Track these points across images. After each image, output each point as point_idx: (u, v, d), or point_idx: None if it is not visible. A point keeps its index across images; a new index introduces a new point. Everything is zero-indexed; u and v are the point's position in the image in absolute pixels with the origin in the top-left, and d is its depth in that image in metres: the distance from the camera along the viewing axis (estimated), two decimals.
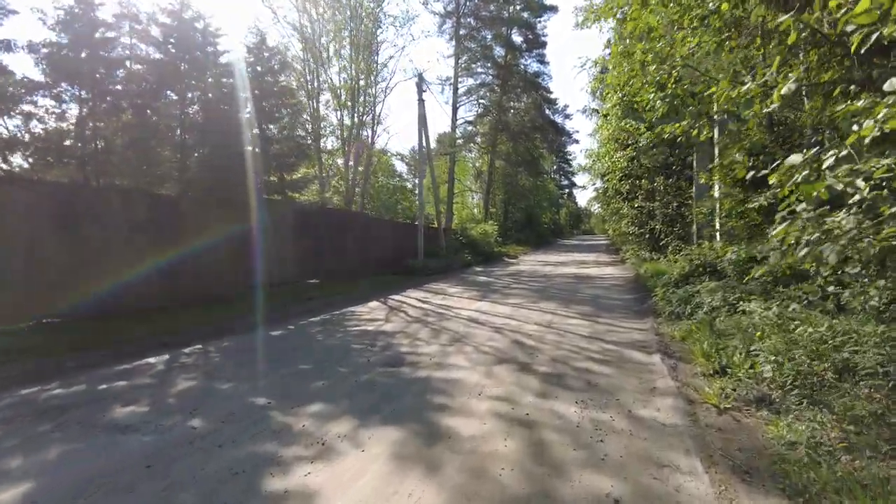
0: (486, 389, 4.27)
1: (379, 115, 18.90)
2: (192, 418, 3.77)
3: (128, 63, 8.86)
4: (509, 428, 3.40)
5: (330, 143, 19.66)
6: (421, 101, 18.06)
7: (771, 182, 3.52)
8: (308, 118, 15.70)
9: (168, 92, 9.89)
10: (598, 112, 18.57)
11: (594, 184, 18.20)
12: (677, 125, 4.96)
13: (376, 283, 13.51)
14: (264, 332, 7.27)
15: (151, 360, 5.72)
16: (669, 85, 4.18)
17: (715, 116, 8.37)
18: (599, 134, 16.88)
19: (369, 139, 19.07)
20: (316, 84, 16.13)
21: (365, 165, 19.19)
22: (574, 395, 4.12)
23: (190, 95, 9.99)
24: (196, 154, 10.32)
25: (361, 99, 17.87)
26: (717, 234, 10.92)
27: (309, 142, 15.32)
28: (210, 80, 10.61)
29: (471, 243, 23.40)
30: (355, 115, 18.02)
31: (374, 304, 10.24)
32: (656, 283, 10.53)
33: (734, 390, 3.95)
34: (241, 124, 11.00)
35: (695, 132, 5.57)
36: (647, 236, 17.44)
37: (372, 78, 17.68)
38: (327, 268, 13.70)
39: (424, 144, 18.33)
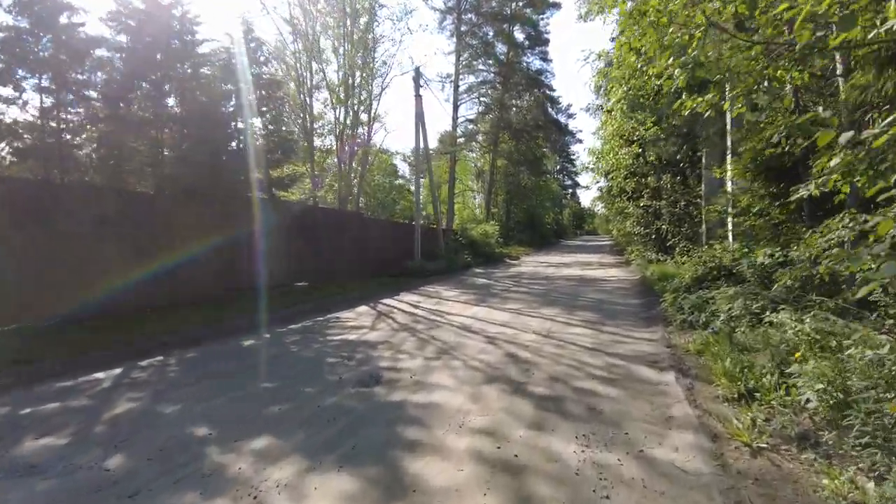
0: (470, 418, 3.61)
1: (376, 112, 18.24)
2: (113, 455, 3.13)
3: (97, 50, 8.26)
4: (491, 476, 2.73)
5: (328, 141, 19.07)
6: (418, 97, 17.41)
7: (816, 170, 2.84)
8: (301, 113, 15.06)
9: (143, 83, 9.27)
10: (602, 108, 17.85)
11: (598, 182, 17.52)
12: (700, 98, 4.26)
13: (370, 285, 12.86)
14: (236, 342, 6.64)
15: (100, 374, 5.10)
16: (690, 49, 3.51)
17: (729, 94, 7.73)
18: (603, 130, 16.19)
19: (366, 136, 18.42)
20: (309, 78, 15.50)
21: (361, 163, 18.55)
22: (574, 426, 3.45)
23: (167, 87, 9.37)
24: (174, 149, 9.70)
25: (356, 94, 17.23)
26: (730, 234, 10.21)
27: (299, 137, 14.69)
28: (189, 70, 10.00)
29: (471, 244, 22.73)
30: (349, 110, 17.40)
31: (363, 308, 9.60)
32: (665, 287, 9.84)
33: (767, 422, 3.27)
34: (224, 118, 10.39)
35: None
36: (653, 237, 16.72)
37: (367, 72, 17.03)
38: (319, 269, 13.06)
39: (422, 141, 17.68)
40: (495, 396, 4.07)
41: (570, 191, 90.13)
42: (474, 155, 40.70)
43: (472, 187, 40.88)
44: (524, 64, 36.17)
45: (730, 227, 10.26)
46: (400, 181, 54.60)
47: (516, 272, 18.22)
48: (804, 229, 5.67)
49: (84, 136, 8.47)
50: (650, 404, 3.85)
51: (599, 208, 75.68)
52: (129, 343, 6.33)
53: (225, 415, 3.79)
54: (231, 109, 10.77)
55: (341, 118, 16.01)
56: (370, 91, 18.12)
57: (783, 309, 4.45)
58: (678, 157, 15.05)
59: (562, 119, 49.68)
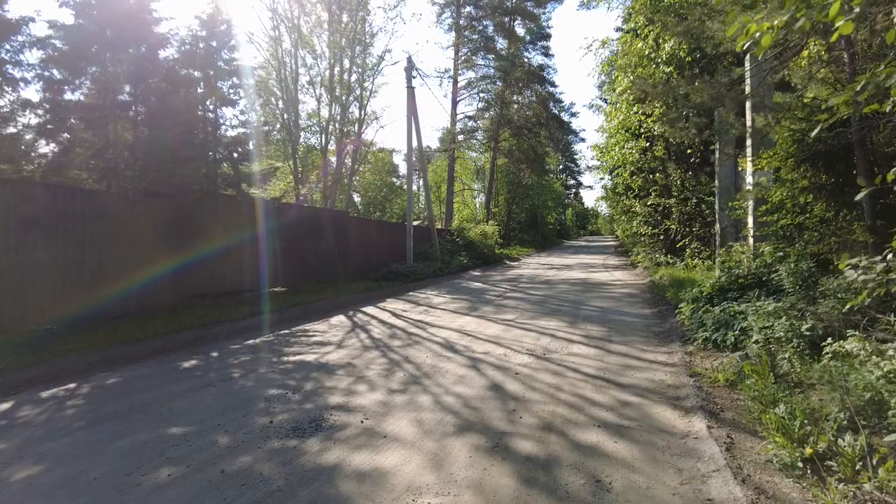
0: (423, 502, 2.53)
1: (367, 106, 17.19)
2: None
3: (30, 26, 7.23)
4: None
5: (315, 139, 18.05)
6: (410, 89, 16.34)
7: None
8: (284, 106, 14.01)
9: (92, 67, 8.24)
10: (606, 101, 16.71)
11: (601, 179, 16.34)
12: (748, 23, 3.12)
13: (353, 290, 11.80)
14: (173, 363, 5.58)
15: None
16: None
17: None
18: (608, 123, 15.08)
19: (356, 132, 17.38)
20: (293, 66, 14.45)
21: (351, 160, 17.49)
22: None
23: (116, 70, 8.33)
24: (128, 140, 8.66)
25: (345, 83, 16.17)
26: (751, 234, 9.09)
27: (281, 133, 13.64)
28: (145, 51, 8.96)
29: (468, 245, 21.65)
30: (337, 104, 16.38)
31: (337, 319, 8.54)
32: (678, 295, 8.74)
33: None
34: (187, 106, 9.34)
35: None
36: (661, 237, 15.61)
37: (357, 63, 15.98)
38: (300, 273, 12.02)
39: (415, 136, 16.62)
40: (465, 459, 2.99)
41: (574, 191, 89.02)
42: (475, 155, 39.62)
43: (472, 187, 39.78)
44: (525, 59, 35.09)
45: (750, 226, 9.15)
46: (396, 180, 53.68)
47: (515, 275, 17.14)
48: (860, 227, 4.58)
49: (19, 124, 7.44)
50: (678, 474, 2.76)
51: (603, 209, 74.48)
52: (39, 365, 5.28)
53: (85, 485, 2.72)
54: (196, 97, 9.72)
55: (327, 113, 14.95)
56: (361, 82, 17.09)
57: (851, 335, 3.35)
58: (689, 149, 13.93)
59: (565, 118, 48.67)
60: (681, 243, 14.42)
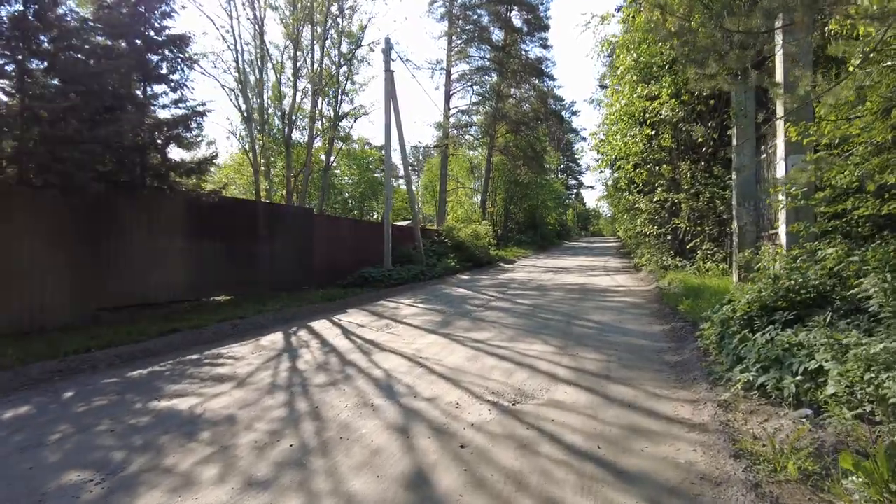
0: None
1: (348, 96, 15.57)
2: None
3: None
4: None
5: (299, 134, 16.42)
6: (388, 73, 14.70)
7: None
8: (237, 86, 12.36)
9: None
10: (606, 88, 14.98)
11: (601, 172, 14.58)
12: None
13: (312, 299, 10.15)
14: None
15: None
16: None
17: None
18: (608, 108, 13.39)
19: (331, 118, 15.75)
20: (258, 44, 12.80)
21: (326, 154, 15.86)
22: None
23: (16, 33, 6.71)
24: (24, 118, 7.01)
25: (318, 71, 14.55)
26: (783, 233, 7.41)
27: (237, 127, 11.97)
28: (51, 16, 7.34)
29: (458, 246, 19.99)
30: (319, 94, 14.76)
31: (271, 338, 6.88)
32: (695, 307, 7.06)
33: None
34: (102, 80, 7.70)
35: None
36: (668, 238, 13.92)
37: (332, 41, 14.34)
38: (247, 279, 10.36)
39: (395, 127, 14.97)
40: None
41: (575, 191, 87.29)
42: (472, 153, 37.94)
43: (467, 185, 38.10)
44: (522, 52, 33.44)
45: (782, 223, 7.47)
46: (381, 175, 51.52)
47: (507, 279, 15.47)
48: None
49: None
50: None
51: (605, 209, 72.63)
52: None
53: None
54: (116, 69, 8.08)
55: (290, 100, 13.30)
56: (338, 65, 15.46)
57: None
58: (700, 138, 12.23)
59: (565, 115, 47.02)
60: (691, 244, 12.73)
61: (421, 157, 56.11)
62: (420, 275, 14.79)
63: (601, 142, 13.96)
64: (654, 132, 12.96)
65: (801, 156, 7.22)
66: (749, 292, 4.56)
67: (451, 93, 30.59)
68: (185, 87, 8.92)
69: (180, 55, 9.18)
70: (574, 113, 72.46)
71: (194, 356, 5.87)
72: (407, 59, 36.91)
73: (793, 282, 4.07)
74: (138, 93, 8.89)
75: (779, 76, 7.09)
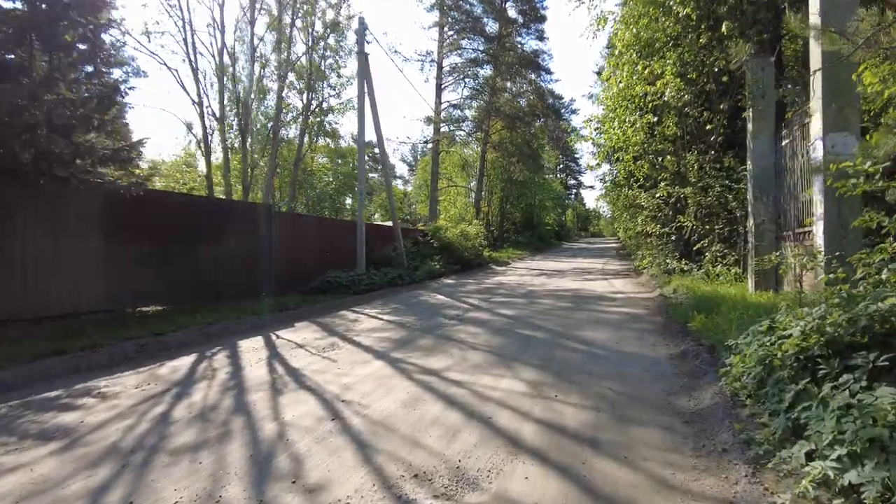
0: None
1: (311, 79, 14.16)
2: None
3: None
4: None
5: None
6: (362, 55, 13.27)
7: None
8: (188, 67, 10.92)
9: None
10: (603, 71, 13.50)
11: (598, 165, 13.09)
12: None
13: (260, 309, 8.72)
14: None
15: None
16: None
17: None
18: (605, 92, 11.91)
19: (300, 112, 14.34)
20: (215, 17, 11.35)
21: (298, 145, 14.42)
22: None
23: None
24: None
25: (281, 51, 13.13)
26: (820, 231, 5.99)
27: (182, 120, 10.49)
28: None
29: (445, 247, 18.57)
30: (255, 66, 13.32)
31: (179, 362, 5.46)
32: (709, 324, 5.63)
33: None
34: None
35: None
36: (673, 238, 12.47)
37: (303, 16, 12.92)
38: (187, 286, 8.94)
39: (370, 111, 13.55)
40: None
41: (574, 191, 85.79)
42: (467, 151, 36.48)
43: (460, 184, 36.65)
44: (518, 44, 32.02)
45: (819, 219, 6.04)
46: (374, 175, 50.42)
47: (494, 283, 14.04)
48: None
49: None
50: None
51: (604, 209, 71.05)
52: None
53: None
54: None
55: (247, 81, 11.87)
56: (310, 43, 14.03)
57: None
58: (708, 124, 10.79)
59: (564, 115, 45.65)
60: (698, 245, 11.29)
61: (418, 156, 54.73)
62: (398, 279, 13.36)
63: (597, 129, 12.51)
64: (656, 119, 11.51)
65: (844, 134, 5.80)
66: (804, 318, 3.11)
67: (443, 86, 29.18)
68: (100, 60, 7.48)
69: (92, 21, 7.72)
70: (574, 111, 70.94)
71: (56, 392, 4.45)
72: (395, 51, 35.50)
73: (881, 306, 2.63)
74: (44, 63, 7.46)
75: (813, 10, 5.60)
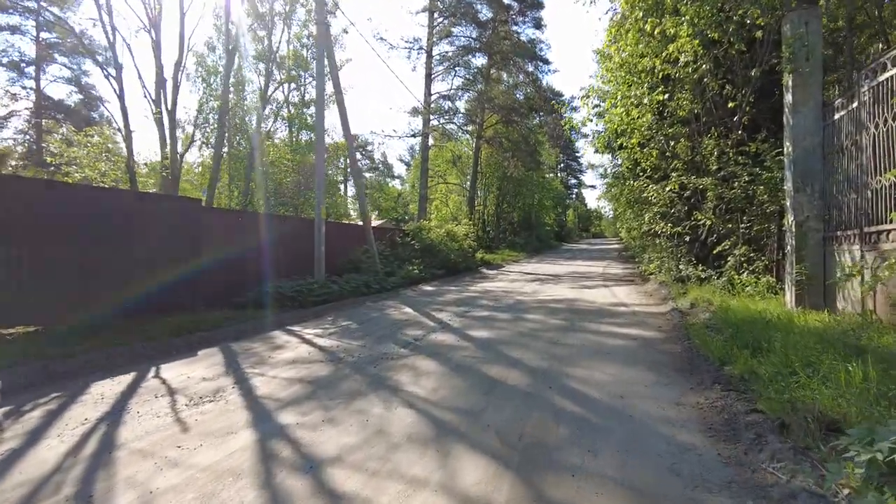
0: None
1: (269, 63, 12.32)
2: None
3: None
4: None
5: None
6: (322, 25, 11.34)
7: None
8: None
9: None
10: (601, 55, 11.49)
11: (594, 150, 11.03)
12: None
13: (161, 329, 6.80)
14: None
15: None
16: None
17: None
18: (606, 65, 9.91)
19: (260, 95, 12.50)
20: None
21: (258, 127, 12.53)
22: None
23: None
24: None
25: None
26: None
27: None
28: None
29: (428, 249, 16.63)
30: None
31: None
32: (752, 365, 3.70)
33: None
34: None
35: None
36: (686, 238, 10.51)
37: None
38: (74, 300, 7.01)
39: (330, 81, 11.63)
40: None
41: (575, 191, 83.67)
42: (459, 145, 34.53)
43: (453, 181, 34.71)
44: (514, 33, 30.07)
45: None
46: (376, 173, 48.50)
47: (479, 291, 12.12)
48: None
49: None
50: None
51: (605, 209, 68.91)
52: None
53: None
54: None
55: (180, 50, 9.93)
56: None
57: None
58: (730, 101, 8.84)
59: (565, 113, 43.76)
60: (719, 248, 9.34)
61: (416, 154, 52.71)
62: (364, 287, 11.43)
63: (595, 108, 10.54)
64: (667, 96, 9.54)
65: None
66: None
67: (433, 76, 27.23)
68: None
69: None
70: (574, 109, 69.01)
71: None
72: (380, 38, 33.64)
73: None
74: None
75: None
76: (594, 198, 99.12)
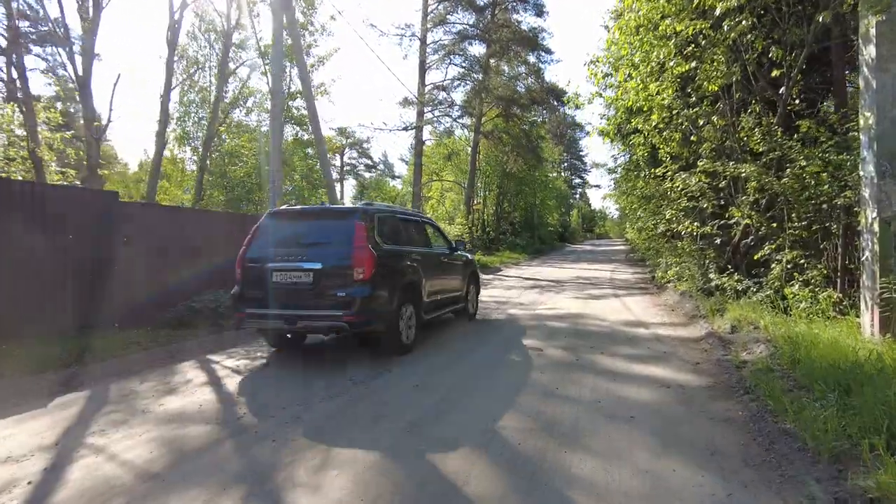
0: None
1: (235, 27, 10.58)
2: None
3: None
4: None
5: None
6: None
7: None
8: None
9: None
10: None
11: (599, 135, 9.03)
12: None
13: (44, 360, 5.03)
14: None
15: None
16: None
17: None
18: (620, 24, 7.94)
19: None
20: None
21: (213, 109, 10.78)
22: None
23: None
24: None
25: None
26: None
27: None
28: None
29: None
30: None
31: None
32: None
33: None
34: None
35: None
36: (717, 240, 8.61)
37: None
38: None
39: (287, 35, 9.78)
40: None
41: (579, 190, 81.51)
42: (458, 140, 32.68)
43: (452, 179, 32.90)
44: (514, 21, 28.16)
45: None
46: (371, 175, 46.62)
47: None
48: None
49: None
50: None
51: (611, 209, 66.80)
52: None
53: None
54: None
55: None
56: None
57: None
58: (776, 71, 6.95)
59: (568, 110, 41.82)
60: (760, 253, 7.45)
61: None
62: None
63: (605, 77, 8.55)
64: (695, 65, 7.64)
65: None
66: None
67: (428, 65, 25.39)
68: None
69: None
70: (577, 107, 66.98)
71: None
72: (371, 25, 31.84)
73: None
74: None
75: None
76: (599, 197, 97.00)
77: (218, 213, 10.67)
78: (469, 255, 8.18)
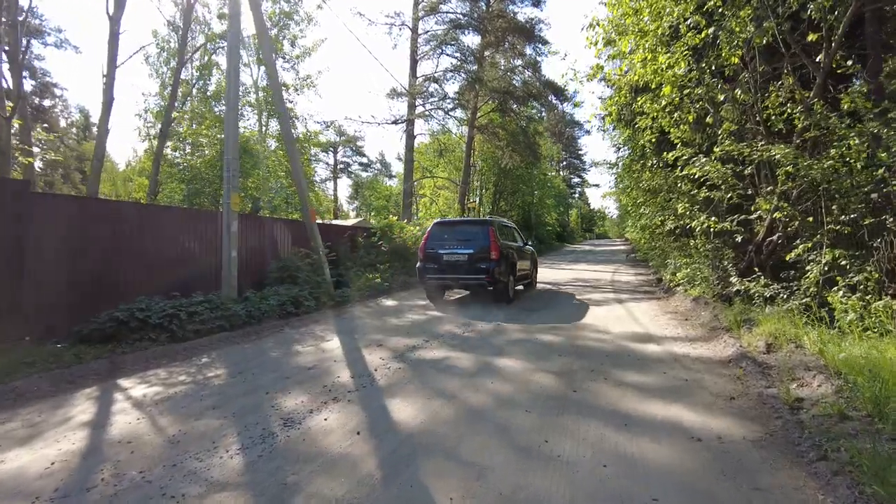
0: None
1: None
2: None
3: None
4: None
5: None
6: None
7: None
8: None
9: None
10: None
11: (600, 116, 7.70)
12: None
13: None
14: None
15: None
16: None
17: None
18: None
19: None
20: None
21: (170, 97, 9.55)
22: None
23: None
24: None
25: None
26: None
27: None
28: None
29: (399, 252, 13.59)
30: None
31: None
32: None
33: None
34: None
35: None
36: (738, 238, 7.38)
37: None
38: None
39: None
40: None
41: (578, 189, 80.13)
42: (452, 135, 31.43)
43: (445, 175, 31.69)
44: (510, 11, 26.94)
45: None
46: (368, 174, 45.50)
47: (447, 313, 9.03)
48: None
49: None
50: None
51: (610, 209, 65.55)
52: None
53: None
54: None
55: None
56: None
57: None
58: (811, 35, 5.75)
59: (567, 108, 40.68)
60: (794, 252, 6.24)
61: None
62: (291, 305, 8.41)
63: (607, 44, 7.28)
64: (711, 31, 6.42)
65: None
66: None
67: (419, 56, 24.13)
68: None
69: None
70: (577, 105, 65.43)
71: None
72: (359, 13, 30.63)
73: None
74: None
75: None
76: (598, 197, 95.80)
77: (160, 207, 9.44)
78: (532, 248, 12.32)
